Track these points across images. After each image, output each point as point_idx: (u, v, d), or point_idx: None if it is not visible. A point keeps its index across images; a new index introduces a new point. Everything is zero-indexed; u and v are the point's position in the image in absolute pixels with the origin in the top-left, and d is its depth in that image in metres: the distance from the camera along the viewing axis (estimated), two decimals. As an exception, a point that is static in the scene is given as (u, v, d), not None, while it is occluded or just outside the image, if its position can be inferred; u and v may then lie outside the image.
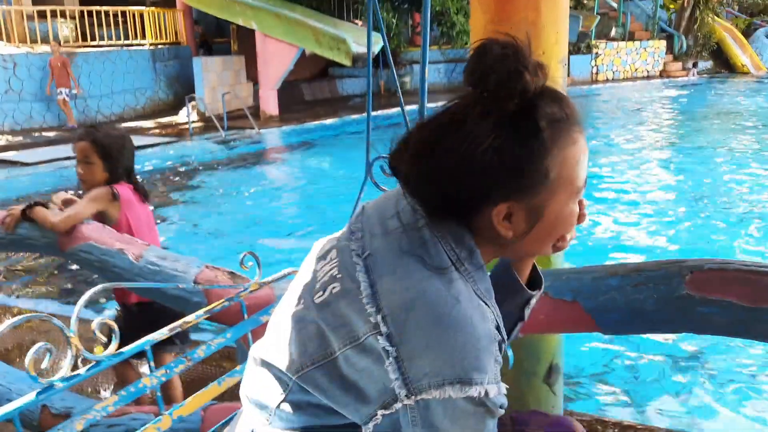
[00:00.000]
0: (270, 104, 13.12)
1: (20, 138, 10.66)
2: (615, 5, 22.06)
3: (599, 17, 20.43)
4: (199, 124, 12.18)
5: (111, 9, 13.13)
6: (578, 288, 1.48)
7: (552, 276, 1.53)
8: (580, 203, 0.85)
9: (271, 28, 12.06)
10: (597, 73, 19.91)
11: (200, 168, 9.15)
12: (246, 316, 1.71)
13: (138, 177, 2.44)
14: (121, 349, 1.34)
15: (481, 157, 0.76)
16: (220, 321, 1.89)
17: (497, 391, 0.77)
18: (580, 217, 0.86)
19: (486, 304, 0.81)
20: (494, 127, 0.76)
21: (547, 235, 0.84)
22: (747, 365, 3.45)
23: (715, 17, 22.72)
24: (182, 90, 13.65)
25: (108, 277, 2.03)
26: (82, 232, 2.06)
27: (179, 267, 1.92)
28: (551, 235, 0.85)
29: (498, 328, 0.82)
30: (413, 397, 0.76)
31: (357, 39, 11.43)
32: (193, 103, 12.42)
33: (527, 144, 0.77)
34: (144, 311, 2.34)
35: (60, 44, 11.89)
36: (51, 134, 10.99)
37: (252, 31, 12.54)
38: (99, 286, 1.34)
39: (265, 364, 0.94)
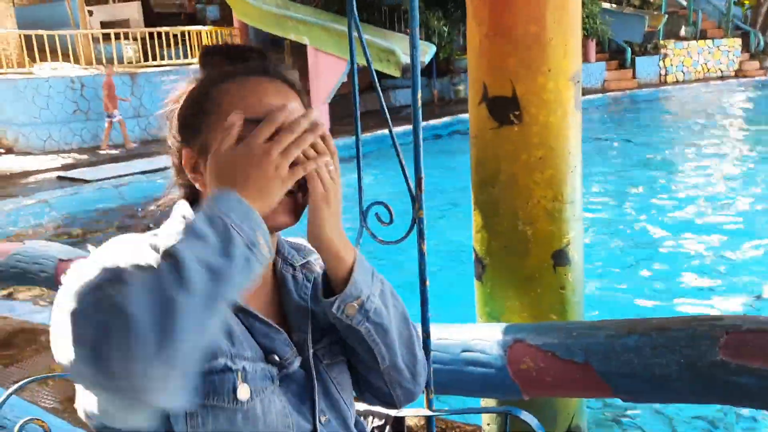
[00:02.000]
0: (321, 118, 13.08)
1: (86, 156, 11.13)
2: (684, 3, 20.97)
3: (666, 16, 19.47)
4: (254, 139, 12.32)
5: (172, 30, 13.58)
6: (590, 347, 1.25)
7: (560, 332, 1.31)
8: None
9: (322, 42, 12.08)
10: (666, 75, 18.94)
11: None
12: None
13: None
14: None
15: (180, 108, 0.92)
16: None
17: None
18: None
19: None
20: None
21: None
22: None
23: (796, 11, 21.24)
24: (240, 106, 13.89)
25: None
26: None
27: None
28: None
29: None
30: None
31: (406, 50, 11.27)
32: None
33: (196, 90, 0.89)
34: None
35: (113, 65, 11.81)
36: (115, 152, 11.41)
37: (305, 47, 12.64)
38: None
39: None
